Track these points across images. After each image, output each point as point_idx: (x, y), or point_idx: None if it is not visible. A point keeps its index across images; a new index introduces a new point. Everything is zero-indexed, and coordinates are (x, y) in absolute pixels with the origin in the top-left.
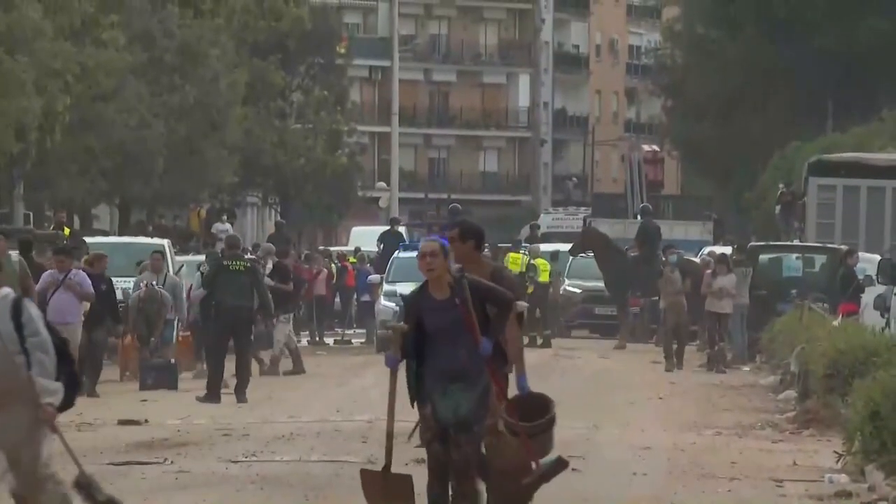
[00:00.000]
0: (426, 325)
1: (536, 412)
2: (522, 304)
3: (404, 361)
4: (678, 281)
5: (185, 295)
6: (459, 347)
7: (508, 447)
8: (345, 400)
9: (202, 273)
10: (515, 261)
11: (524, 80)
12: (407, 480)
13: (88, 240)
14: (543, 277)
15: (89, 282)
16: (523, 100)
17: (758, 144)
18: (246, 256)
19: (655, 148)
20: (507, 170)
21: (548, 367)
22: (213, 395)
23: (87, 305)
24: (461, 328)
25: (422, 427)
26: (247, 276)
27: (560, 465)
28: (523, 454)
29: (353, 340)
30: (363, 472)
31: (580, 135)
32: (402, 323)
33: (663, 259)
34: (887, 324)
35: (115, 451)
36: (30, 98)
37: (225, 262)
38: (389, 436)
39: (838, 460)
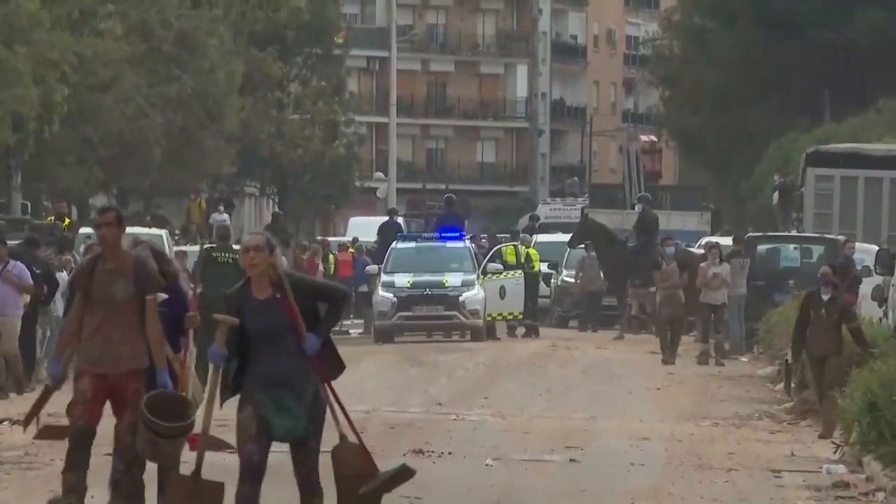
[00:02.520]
0: (247, 327)
1: (175, 413)
2: (162, 296)
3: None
4: (675, 273)
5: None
6: (281, 352)
7: (350, 454)
8: (343, 391)
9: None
10: (511, 253)
11: (522, 71)
12: (218, 487)
13: (85, 230)
14: (535, 267)
15: (28, 273)
16: (521, 90)
17: (755, 135)
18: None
19: (653, 138)
20: (505, 160)
21: (545, 358)
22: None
23: (27, 297)
24: (284, 331)
25: (238, 431)
26: (236, 269)
27: (405, 473)
28: (366, 461)
29: (350, 331)
30: (173, 477)
31: (578, 125)
32: (230, 316)
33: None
34: (885, 314)
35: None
36: (27, 88)
37: (214, 254)
38: (205, 437)
39: (836, 451)
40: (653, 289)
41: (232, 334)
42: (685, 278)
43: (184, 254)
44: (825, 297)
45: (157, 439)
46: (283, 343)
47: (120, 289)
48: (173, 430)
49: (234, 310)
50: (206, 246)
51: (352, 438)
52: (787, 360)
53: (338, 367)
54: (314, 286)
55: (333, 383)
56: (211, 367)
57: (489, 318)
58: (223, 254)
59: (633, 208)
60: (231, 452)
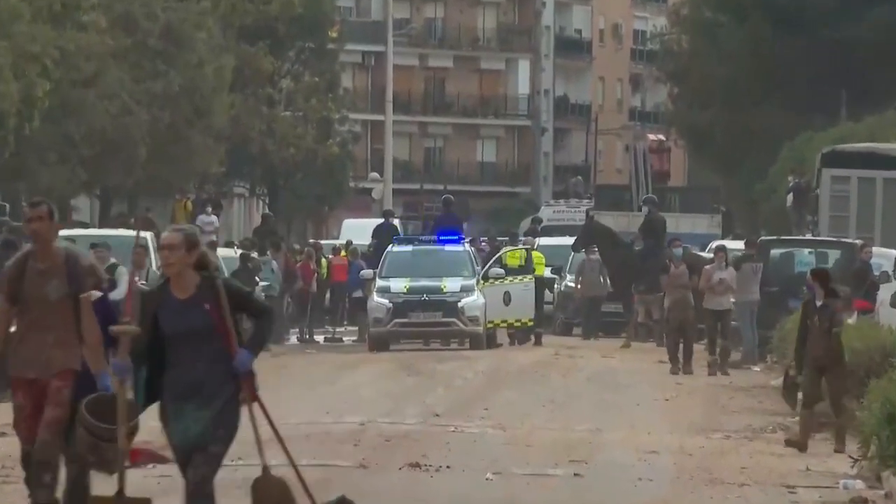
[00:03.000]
0: (162, 328)
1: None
2: (96, 294)
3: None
4: (684, 275)
5: None
6: (199, 358)
7: (273, 489)
8: (335, 400)
9: None
10: (514, 256)
11: (524, 66)
12: None
13: (67, 232)
14: (539, 271)
15: None
16: (523, 87)
17: (768, 134)
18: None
19: (661, 137)
20: (506, 160)
21: (548, 367)
22: None
23: None
24: (203, 335)
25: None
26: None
27: None
28: (289, 494)
29: (344, 339)
30: (93, 500)
31: (582, 123)
32: (132, 326)
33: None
34: None
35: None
36: (7, 83)
37: None
38: (123, 454)
39: (853, 465)
40: (660, 294)
41: (139, 342)
42: (695, 281)
43: None
44: (818, 304)
45: (99, 443)
46: (202, 348)
47: (54, 289)
48: (113, 433)
49: (148, 309)
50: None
51: (302, 457)
52: (787, 371)
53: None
54: (242, 296)
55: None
56: (116, 381)
57: (491, 325)
58: None
59: (641, 210)
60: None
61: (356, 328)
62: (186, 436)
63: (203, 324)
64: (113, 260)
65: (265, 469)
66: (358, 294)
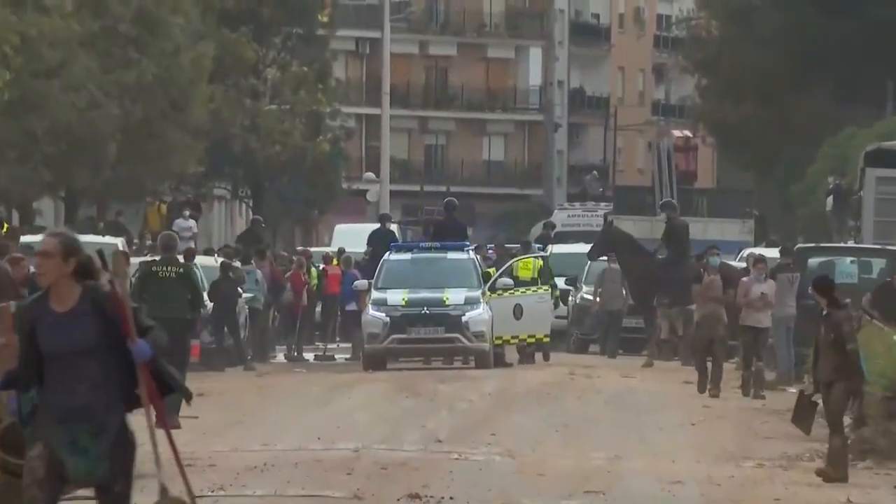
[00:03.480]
0: (42, 346)
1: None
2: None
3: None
4: (718, 287)
5: None
6: (83, 379)
7: None
8: (327, 425)
9: None
10: (527, 266)
11: (535, 55)
12: None
13: (29, 238)
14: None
15: None
16: (534, 77)
17: (806, 130)
18: (181, 260)
19: (688, 133)
20: (516, 158)
21: (562, 388)
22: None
23: None
24: (88, 352)
25: (24, 474)
26: (182, 284)
27: None
28: None
29: (336, 356)
30: None
31: (600, 118)
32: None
33: (703, 261)
34: None
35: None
36: None
37: (154, 269)
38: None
39: None
40: (687, 307)
41: (25, 362)
42: (730, 294)
43: None
44: (824, 314)
45: (13, 480)
46: (86, 368)
47: None
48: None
49: (25, 322)
50: (147, 259)
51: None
52: (800, 391)
53: (170, 388)
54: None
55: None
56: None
57: (499, 342)
58: (165, 268)
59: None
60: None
61: (349, 345)
62: (93, 477)
63: (87, 339)
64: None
65: (162, 490)
66: (351, 307)
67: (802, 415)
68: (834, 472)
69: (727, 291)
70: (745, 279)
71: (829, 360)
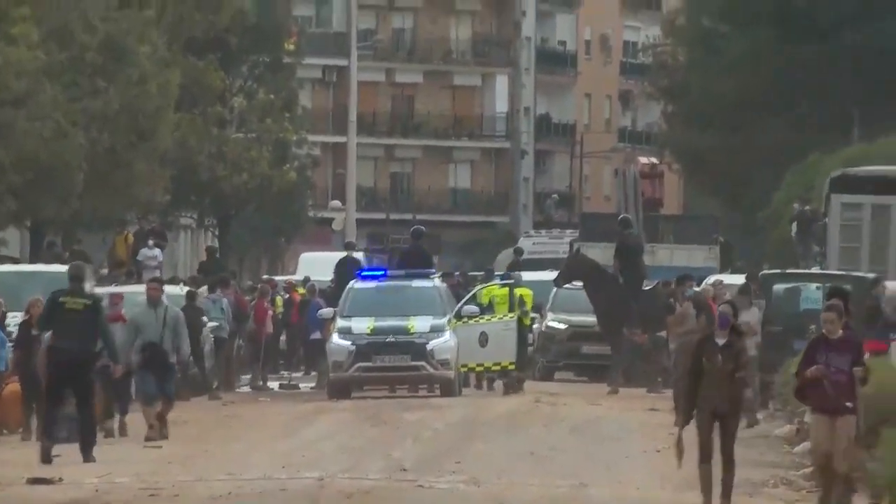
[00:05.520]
0: None
1: None
2: None
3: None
4: (691, 316)
5: None
6: None
7: None
8: (292, 454)
9: None
10: (490, 293)
11: (502, 82)
12: None
13: None
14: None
15: None
16: (501, 105)
17: (772, 157)
18: (88, 291)
19: (654, 160)
20: (482, 186)
21: (528, 416)
22: (46, 453)
23: None
24: None
25: None
26: (86, 316)
27: None
28: None
29: (301, 385)
30: None
31: (566, 145)
32: None
33: (671, 288)
34: None
35: None
36: None
37: (61, 299)
38: None
39: None
40: (660, 333)
41: None
42: (702, 321)
43: (119, 296)
44: (720, 342)
45: None
46: None
47: None
48: None
49: None
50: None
51: None
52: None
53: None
54: None
55: None
56: None
57: (464, 369)
58: (72, 298)
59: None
60: None
61: (315, 374)
62: None
63: None
64: None
65: None
66: (316, 336)
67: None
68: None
69: (699, 318)
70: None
71: (724, 390)
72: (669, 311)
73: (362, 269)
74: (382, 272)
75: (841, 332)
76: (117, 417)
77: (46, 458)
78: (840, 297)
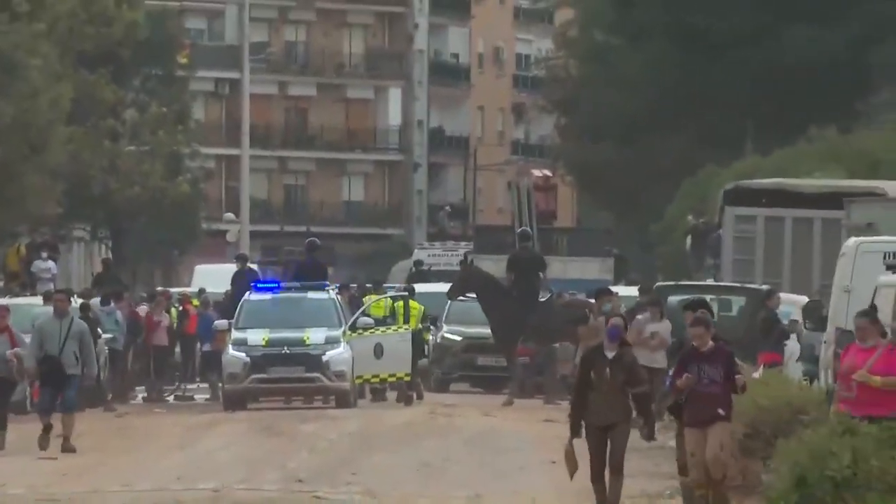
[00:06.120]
0: None
1: None
2: None
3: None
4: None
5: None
6: None
7: None
8: (187, 465)
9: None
10: (378, 306)
11: (395, 95)
12: None
13: None
14: (413, 323)
15: None
16: (394, 117)
17: (666, 169)
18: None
19: (547, 173)
20: (376, 198)
21: (423, 427)
22: None
23: None
24: None
25: None
26: None
27: None
28: None
29: (195, 396)
30: None
31: (460, 158)
32: None
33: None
34: (814, 376)
35: None
36: None
37: None
38: None
39: None
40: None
41: None
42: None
43: (6, 309)
44: (610, 355)
45: None
46: None
47: None
48: None
49: None
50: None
51: None
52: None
53: None
54: None
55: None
56: None
57: (360, 381)
58: None
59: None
60: None
61: (208, 385)
62: None
63: None
64: None
65: None
66: (207, 347)
67: (572, 459)
68: None
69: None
70: (639, 317)
71: (612, 402)
72: (583, 322)
73: (258, 281)
74: (277, 284)
75: (711, 343)
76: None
77: None
78: (702, 310)
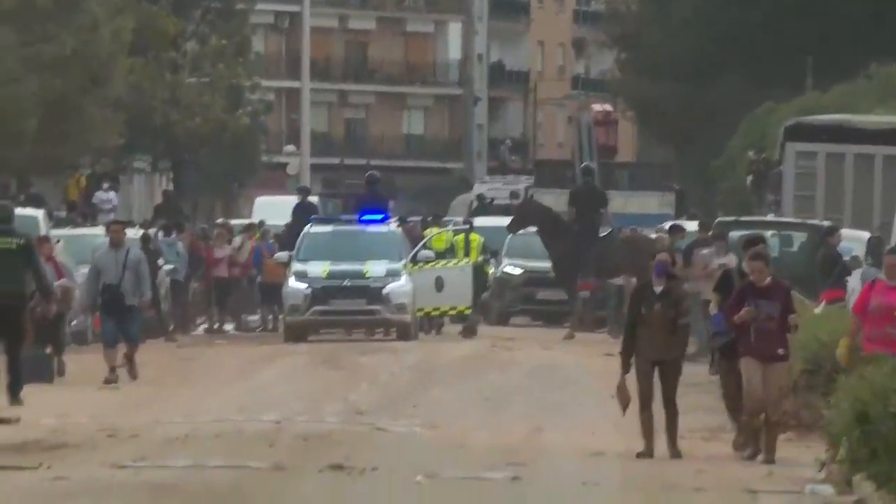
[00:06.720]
0: None
1: None
2: None
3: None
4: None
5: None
6: None
7: None
8: (248, 397)
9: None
10: (440, 239)
11: (455, 29)
12: None
13: None
14: (473, 256)
15: None
16: (454, 52)
17: (726, 105)
18: (18, 231)
19: (607, 108)
20: (436, 132)
21: (484, 361)
22: None
23: None
24: None
25: None
26: (18, 256)
27: None
28: None
29: (256, 328)
30: None
31: (520, 92)
32: None
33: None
34: None
35: None
36: None
37: None
38: None
39: (821, 469)
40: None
41: None
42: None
43: (49, 239)
44: (658, 290)
45: None
46: None
47: None
48: None
49: None
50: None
51: None
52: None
53: None
54: None
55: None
56: None
57: (420, 314)
58: (4, 239)
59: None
60: None
61: (268, 317)
62: None
63: None
64: None
65: None
66: (263, 279)
67: (625, 394)
68: (652, 447)
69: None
70: (704, 252)
71: (663, 337)
72: (651, 258)
73: (316, 216)
74: (338, 217)
75: (768, 278)
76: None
77: None
78: (760, 244)
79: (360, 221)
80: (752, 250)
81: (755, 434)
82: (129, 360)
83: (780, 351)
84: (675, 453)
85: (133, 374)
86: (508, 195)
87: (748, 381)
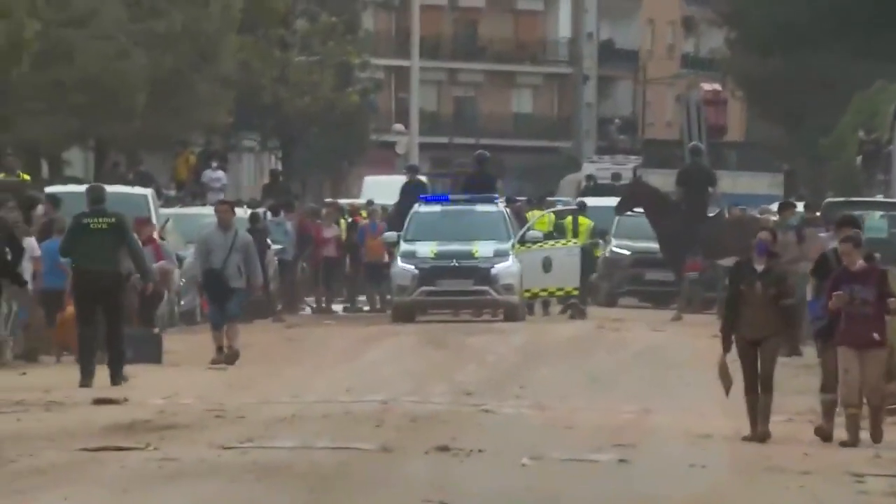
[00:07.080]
0: None
1: None
2: None
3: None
4: (793, 244)
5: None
6: None
7: None
8: (356, 378)
9: None
10: (542, 222)
11: (565, 7)
12: None
13: (59, 188)
14: (582, 239)
15: None
16: (564, 30)
17: (836, 84)
18: (110, 210)
19: (717, 87)
20: (545, 111)
21: (592, 342)
22: (85, 376)
23: None
24: None
25: None
26: (111, 235)
27: None
28: None
29: (364, 308)
30: None
31: (629, 71)
32: None
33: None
34: None
35: (90, 434)
36: None
37: (85, 221)
38: None
39: None
40: (722, 261)
41: None
42: (803, 249)
43: (149, 221)
44: (759, 268)
45: None
46: None
47: None
48: None
49: None
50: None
51: None
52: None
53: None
54: None
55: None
56: None
57: (528, 295)
58: (96, 219)
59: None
60: None
61: (372, 298)
62: None
63: None
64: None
65: None
66: (369, 259)
67: (726, 375)
68: (758, 429)
69: (801, 246)
70: (823, 235)
71: (763, 316)
72: (720, 233)
73: (426, 196)
74: (445, 198)
75: (862, 262)
76: None
77: (85, 381)
78: (853, 227)
79: (469, 200)
80: (844, 234)
81: (855, 424)
82: (229, 346)
83: (876, 336)
84: (765, 433)
85: (233, 356)
86: (611, 176)
87: (845, 371)
